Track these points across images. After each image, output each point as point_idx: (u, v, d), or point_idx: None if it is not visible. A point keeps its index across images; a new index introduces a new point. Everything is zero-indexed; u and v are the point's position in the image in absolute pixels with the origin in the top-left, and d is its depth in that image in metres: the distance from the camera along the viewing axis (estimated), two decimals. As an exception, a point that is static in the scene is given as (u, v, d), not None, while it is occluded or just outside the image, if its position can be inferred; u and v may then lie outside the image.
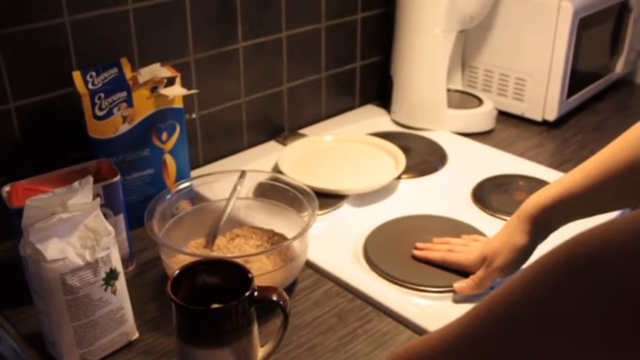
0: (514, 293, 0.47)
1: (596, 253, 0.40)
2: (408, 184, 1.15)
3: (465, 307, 0.53)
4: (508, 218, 0.86)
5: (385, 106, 1.43)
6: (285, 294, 0.72)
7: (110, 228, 0.75)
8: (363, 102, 1.46)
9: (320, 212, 1.00)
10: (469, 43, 1.44)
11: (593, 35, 1.38)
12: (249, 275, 0.70)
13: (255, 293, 0.69)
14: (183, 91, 0.98)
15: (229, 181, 0.99)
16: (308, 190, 0.95)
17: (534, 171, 1.17)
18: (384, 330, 0.83)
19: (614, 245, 0.39)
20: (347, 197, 1.09)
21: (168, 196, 0.95)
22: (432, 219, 1.03)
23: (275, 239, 0.95)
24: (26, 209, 0.70)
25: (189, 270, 0.72)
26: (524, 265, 0.83)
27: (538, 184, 1.06)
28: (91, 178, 0.74)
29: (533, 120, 1.39)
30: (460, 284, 0.86)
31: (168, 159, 1.01)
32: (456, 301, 0.86)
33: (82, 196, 0.73)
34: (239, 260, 0.75)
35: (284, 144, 1.26)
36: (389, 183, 1.11)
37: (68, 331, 0.74)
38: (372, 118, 1.40)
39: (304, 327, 0.83)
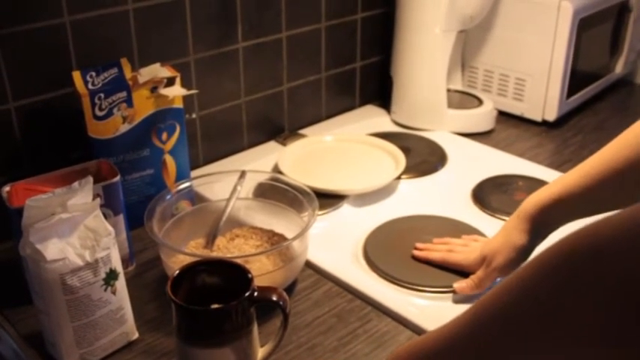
0: (511, 291, 0.47)
1: (599, 246, 0.40)
2: (408, 185, 1.15)
3: (465, 308, 0.52)
4: (508, 218, 0.86)
5: (385, 106, 1.43)
6: (285, 294, 0.72)
7: (110, 228, 0.75)
8: (363, 102, 1.46)
9: (320, 212, 1.00)
10: (469, 43, 1.44)
11: (593, 35, 1.38)
12: (249, 275, 0.70)
13: (255, 293, 0.69)
14: (183, 91, 0.98)
15: (229, 182, 0.99)
16: (308, 190, 0.95)
17: (534, 171, 1.17)
18: (383, 330, 0.83)
19: (618, 238, 0.39)
20: (347, 197, 1.09)
21: (168, 197, 0.95)
22: (431, 219, 1.03)
23: (275, 239, 0.95)
24: (26, 209, 0.70)
25: (189, 270, 0.72)
26: (523, 265, 0.83)
27: (538, 184, 1.05)
28: (90, 179, 0.74)
29: (533, 120, 1.39)
30: (460, 284, 0.86)
31: (168, 159, 1.01)
32: (456, 301, 0.86)
33: (82, 197, 0.73)
34: (239, 260, 0.75)
35: (284, 144, 1.26)
36: (389, 183, 1.11)
37: (68, 331, 0.74)
38: (372, 119, 1.40)
39: (304, 327, 0.83)
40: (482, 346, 0.49)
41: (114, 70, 0.94)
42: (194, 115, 1.16)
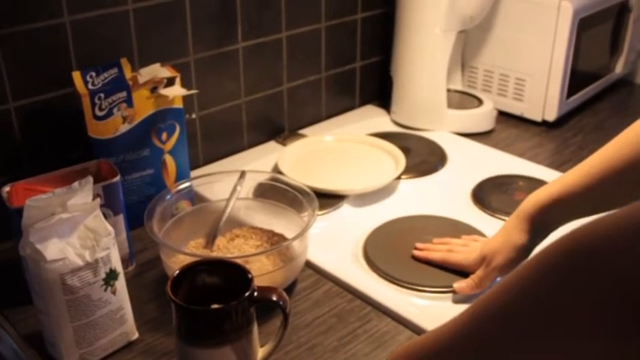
0: (511, 289, 0.47)
1: (595, 245, 0.40)
2: (408, 185, 1.15)
3: (465, 308, 0.52)
4: (508, 218, 0.86)
5: (385, 106, 1.43)
6: (284, 294, 0.72)
7: (110, 228, 0.75)
8: (363, 102, 1.46)
9: (320, 212, 1.00)
10: (469, 43, 1.44)
11: (593, 35, 1.38)
12: (249, 275, 0.70)
13: (255, 293, 0.69)
14: (183, 92, 0.98)
15: (229, 182, 0.99)
16: (308, 190, 0.95)
17: (534, 171, 1.17)
18: (383, 330, 0.83)
19: (613, 237, 0.39)
20: (347, 197, 1.09)
21: (168, 197, 0.95)
22: (431, 219, 1.03)
23: (275, 239, 0.95)
24: (26, 209, 0.70)
25: (189, 270, 0.72)
26: (522, 265, 0.83)
27: (538, 184, 1.05)
28: (90, 179, 0.74)
29: (533, 120, 1.39)
30: (460, 284, 0.86)
31: (168, 159, 1.01)
32: (456, 301, 0.86)
33: (82, 197, 0.73)
34: (239, 260, 0.75)
35: (284, 144, 1.26)
36: (389, 183, 1.11)
37: (68, 331, 0.74)
38: (371, 119, 1.40)
39: (304, 327, 0.83)
40: (481, 345, 0.49)
41: (114, 70, 0.94)
42: (194, 115, 1.16)
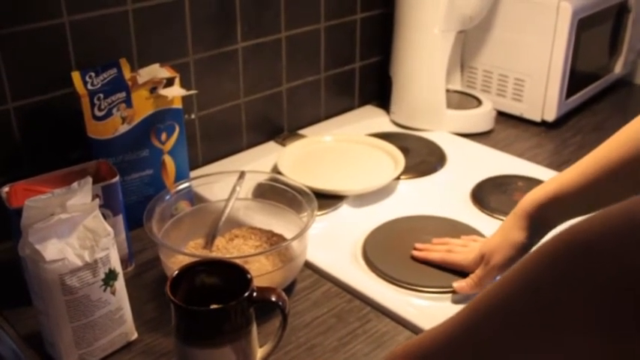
0: (510, 285, 0.47)
1: (590, 242, 0.40)
2: (407, 185, 1.15)
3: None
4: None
5: (384, 106, 1.43)
6: (284, 294, 0.72)
7: (109, 228, 0.75)
8: (363, 102, 1.46)
9: (319, 213, 1.00)
10: (468, 43, 1.44)
11: (592, 36, 1.38)
12: (248, 276, 0.70)
13: (254, 294, 0.69)
14: (183, 92, 0.98)
15: (228, 182, 0.99)
16: (307, 190, 0.95)
17: (533, 171, 1.17)
18: (383, 330, 0.83)
19: (607, 235, 0.39)
20: (346, 198, 1.09)
21: (168, 197, 0.95)
22: (431, 219, 1.03)
23: (274, 240, 0.95)
24: (25, 209, 0.70)
25: (188, 270, 0.72)
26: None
27: (537, 184, 1.05)
28: (90, 179, 0.74)
29: (532, 120, 1.39)
30: (459, 283, 0.86)
31: (168, 159, 1.01)
32: (455, 301, 0.86)
33: (81, 197, 0.73)
34: (238, 261, 0.75)
35: (283, 144, 1.26)
36: (388, 183, 1.11)
37: (67, 331, 0.74)
38: (371, 119, 1.40)
39: (303, 327, 0.83)
40: (481, 343, 0.49)
41: (113, 71, 0.94)
42: (193, 116, 1.16)
